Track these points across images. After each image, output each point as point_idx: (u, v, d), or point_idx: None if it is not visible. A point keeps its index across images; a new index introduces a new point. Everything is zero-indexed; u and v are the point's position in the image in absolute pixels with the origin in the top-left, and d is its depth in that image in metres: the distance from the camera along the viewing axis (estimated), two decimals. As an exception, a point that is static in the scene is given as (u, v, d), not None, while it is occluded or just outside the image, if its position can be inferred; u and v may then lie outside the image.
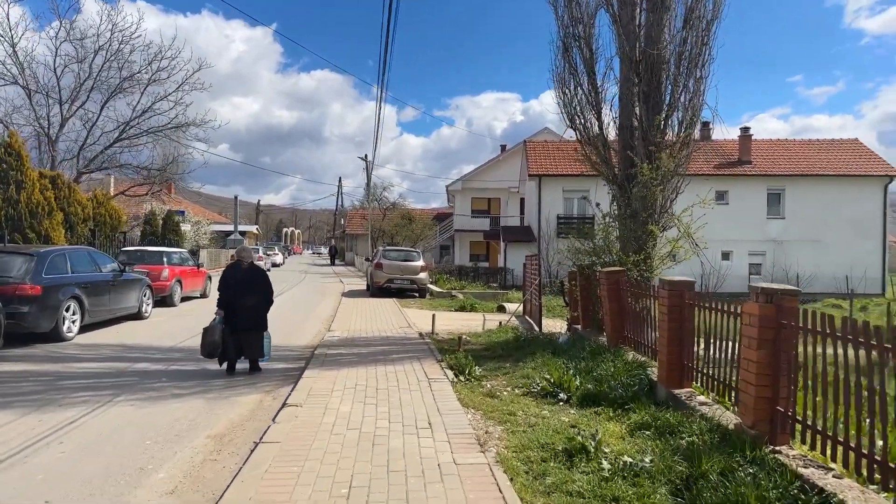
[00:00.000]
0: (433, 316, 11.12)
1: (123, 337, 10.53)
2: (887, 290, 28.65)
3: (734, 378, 5.33)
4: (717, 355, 5.74)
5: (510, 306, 16.29)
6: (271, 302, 7.89)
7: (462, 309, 16.09)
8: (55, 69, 24.42)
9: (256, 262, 26.79)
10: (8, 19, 23.33)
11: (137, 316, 12.68)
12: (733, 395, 5.41)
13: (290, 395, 6.14)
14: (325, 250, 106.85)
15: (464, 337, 10.07)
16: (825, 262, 27.36)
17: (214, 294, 16.77)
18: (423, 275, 19.74)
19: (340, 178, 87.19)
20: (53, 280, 9.65)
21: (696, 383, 6.12)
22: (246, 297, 7.53)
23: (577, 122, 10.19)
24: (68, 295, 9.81)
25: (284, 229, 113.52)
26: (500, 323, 11.69)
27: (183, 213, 31.51)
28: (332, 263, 49.89)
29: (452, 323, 13.04)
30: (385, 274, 19.50)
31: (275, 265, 42.59)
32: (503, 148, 44.74)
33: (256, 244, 62.22)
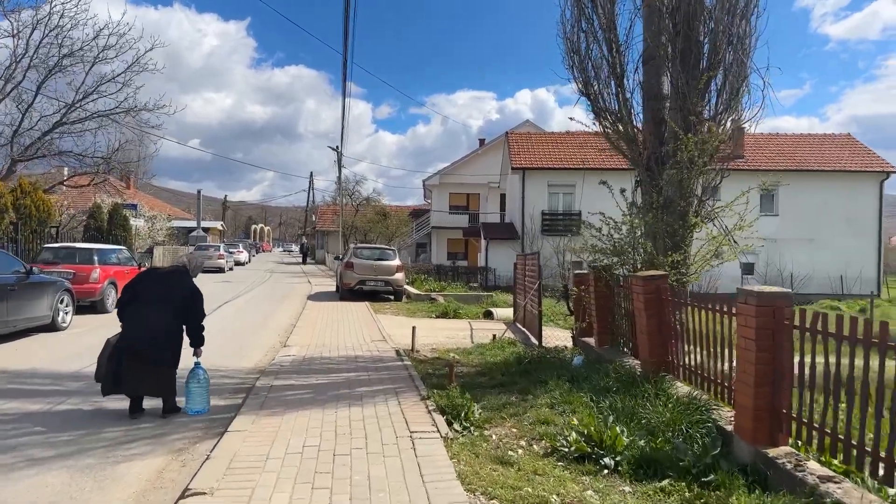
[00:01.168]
0: (413, 329, 9.08)
1: (18, 357, 8.26)
2: (882, 290, 27.59)
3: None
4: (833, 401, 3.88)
5: (499, 312, 14.36)
6: (198, 325, 5.68)
7: (444, 315, 14.09)
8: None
9: (217, 262, 24.31)
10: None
11: (52, 327, 10.37)
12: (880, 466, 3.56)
13: (201, 467, 4.06)
14: (296, 248, 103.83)
15: (452, 356, 8.09)
16: (820, 261, 26.15)
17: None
18: (398, 275, 17.67)
19: (312, 172, 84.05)
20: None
21: (798, 439, 4.25)
22: (153, 314, 5.39)
23: (593, 89, 8.26)
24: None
25: (254, 226, 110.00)
26: (494, 337, 9.70)
27: (135, 206, 28.79)
28: (304, 262, 46.88)
29: (435, 334, 11.02)
30: (356, 275, 17.39)
31: (238, 264, 39.99)
32: (482, 142, 42.87)
33: (223, 242, 59.33)
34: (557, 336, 10.44)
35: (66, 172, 31.37)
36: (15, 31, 22.07)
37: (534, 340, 10.44)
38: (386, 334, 10.73)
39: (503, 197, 35.34)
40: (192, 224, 48.79)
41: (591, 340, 8.89)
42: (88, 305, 13.33)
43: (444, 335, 11.04)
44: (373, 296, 18.11)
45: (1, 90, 22.42)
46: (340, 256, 21.27)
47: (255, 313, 14.22)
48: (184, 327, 5.56)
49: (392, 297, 18.25)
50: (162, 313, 5.34)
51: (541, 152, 27.84)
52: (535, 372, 7.09)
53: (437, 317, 14.05)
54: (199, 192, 53.11)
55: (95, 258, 13.57)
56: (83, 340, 9.64)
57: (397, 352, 8.57)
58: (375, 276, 17.47)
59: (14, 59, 22.31)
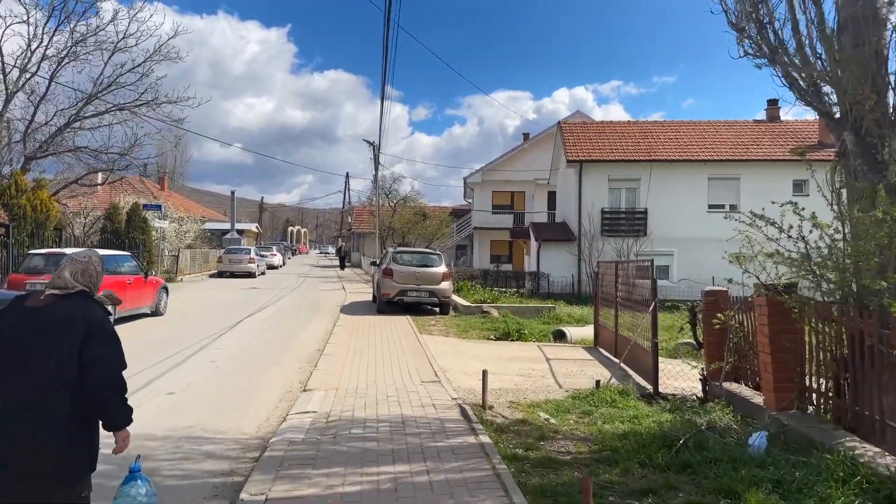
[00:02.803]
0: (484, 375, 6.39)
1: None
2: None
3: None
4: None
5: (572, 332, 11.58)
6: (113, 392, 2.80)
7: (506, 336, 11.40)
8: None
9: (247, 266, 22.13)
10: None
11: None
12: None
13: None
14: (332, 249, 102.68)
15: (545, 418, 5.41)
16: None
17: (172, 312, 12.01)
18: (445, 285, 15.05)
19: (347, 173, 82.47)
20: None
21: None
22: (26, 381, 2.76)
23: (758, 14, 5.42)
24: None
25: (290, 228, 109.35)
26: (598, 384, 6.88)
27: (159, 206, 26.99)
28: (342, 267, 41.17)
29: (503, 369, 8.34)
30: (396, 284, 14.83)
31: (271, 267, 38.09)
32: (526, 136, 40.01)
33: (258, 244, 57.95)
34: (672, 372, 7.62)
35: (98, 178, 29.91)
36: (28, 17, 20.37)
37: (639, 380, 7.66)
38: (439, 369, 8.10)
39: (551, 195, 32.43)
40: (228, 226, 47.34)
41: (746, 391, 6.08)
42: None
43: (515, 370, 8.34)
44: (415, 308, 15.56)
45: (14, 83, 20.78)
46: (377, 261, 18.74)
47: (276, 333, 11.80)
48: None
49: (438, 311, 15.64)
50: (45, 379, 2.72)
51: (599, 143, 24.84)
52: (693, 461, 4.33)
53: (497, 338, 11.37)
54: (232, 192, 51.71)
55: (88, 267, 11.33)
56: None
57: (463, 411, 5.90)
58: (418, 285, 14.88)
59: (29, 49, 20.62)
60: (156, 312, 13.84)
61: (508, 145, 36.95)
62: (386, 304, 15.11)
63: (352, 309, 16.29)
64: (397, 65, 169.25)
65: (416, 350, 9.72)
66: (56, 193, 22.04)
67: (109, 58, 22.19)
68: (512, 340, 11.23)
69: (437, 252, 16.13)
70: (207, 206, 65.88)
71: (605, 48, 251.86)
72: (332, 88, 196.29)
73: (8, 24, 20.04)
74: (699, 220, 23.39)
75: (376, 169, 31.89)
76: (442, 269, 15.28)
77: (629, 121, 26.73)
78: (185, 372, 7.96)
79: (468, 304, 15.80)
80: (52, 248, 14.42)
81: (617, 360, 9.11)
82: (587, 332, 11.89)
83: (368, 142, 31.07)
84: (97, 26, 21.22)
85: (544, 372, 8.31)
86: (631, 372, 8.08)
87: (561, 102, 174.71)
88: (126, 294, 12.45)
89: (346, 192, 68.89)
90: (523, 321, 13.77)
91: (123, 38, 21.73)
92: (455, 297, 16.36)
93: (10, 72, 20.46)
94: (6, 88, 20.61)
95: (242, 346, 10.02)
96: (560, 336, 11.54)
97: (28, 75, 20.80)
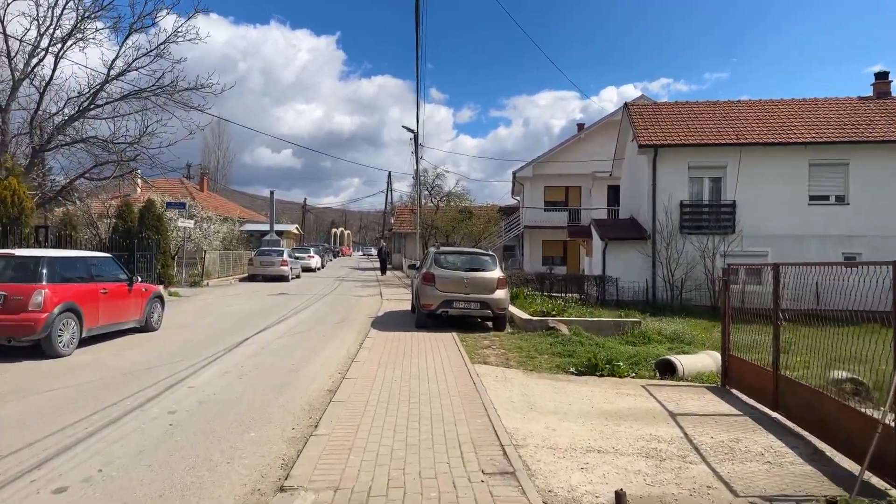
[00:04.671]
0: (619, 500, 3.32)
1: None
2: None
3: None
4: None
5: (683, 361, 8.30)
6: None
7: (591, 369, 8.18)
8: (-4, 11, 18.02)
9: (279, 269, 19.49)
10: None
11: None
12: None
13: None
14: (374, 251, 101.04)
15: None
16: None
17: (170, 326, 9.67)
18: (501, 293, 11.97)
19: (390, 172, 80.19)
20: None
21: None
22: None
23: None
24: None
25: (334, 230, 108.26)
26: None
27: (183, 204, 24.83)
28: (383, 272, 37.15)
29: (610, 441, 5.21)
30: (439, 292, 11.85)
31: (308, 270, 35.81)
32: (581, 126, 36.52)
33: (297, 246, 56.21)
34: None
35: (138, 182, 28.30)
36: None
37: (845, 464, 4.42)
38: (509, 441, 5.04)
39: (612, 189, 28.93)
40: (267, 227, 45.56)
41: None
42: (32, 346, 8.60)
43: (631, 442, 5.19)
44: (461, 321, 12.58)
45: (21, 70, 18.85)
46: (417, 264, 15.81)
47: (281, 359, 8.96)
48: None
49: (491, 325, 12.58)
50: None
51: (676, 126, 21.25)
52: None
53: (580, 371, 8.20)
54: (271, 193, 49.93)
55: (44, 272, 8.79)
56: None
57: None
58: (467, 293, 11.85)
59: (38, 32, 18.64)
60: (146, 327, 11.29)
61: (553, 146, 33.61)
62: (426, 317, 12.14)
63: (386, 322, 13.40)
64: (441, 67, 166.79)
65: (469, 395, 6.67)
66: (63, 189, 20.06)
67: (125, 39, 20.16)
68: (601, 375, 8.04)
69: (490, 253, 13.02)
70: (254, 209, 64.77)
71: (654, 45, 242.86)
72: (379, 93, 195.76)
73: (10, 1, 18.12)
74: (798, 213, 19.62)
75: (417, 162, 28.99)
76: (496, 273, 12.19)
77: (708, 101, 22.99)
78: (113, 438, 5.16)
79: (528, 316, 12.66)
80: (33, 248, 12.05)
81: (783, 419, 5.86)
82: (702, 361, 8.61)
83: (408, 129, 28.22)
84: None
85: (680, 446, 5.13)
86: (823, 446, 4.83)
87: (609, 101, 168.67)
88: (105, 306, 9.92)
89: (389, 191, 66.74)
90: (604, 342, 10.57)
91: (139, 17, 19.71)
92: (511, 308, 13.25)
93: (15, 55, 18.58)
94: (12, 75, 18.74)
95: (224, 385, 7.20)
96: (667, 369, 8.29)
97: (36, 60, 18.90)
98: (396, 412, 5.94)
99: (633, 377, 8.07)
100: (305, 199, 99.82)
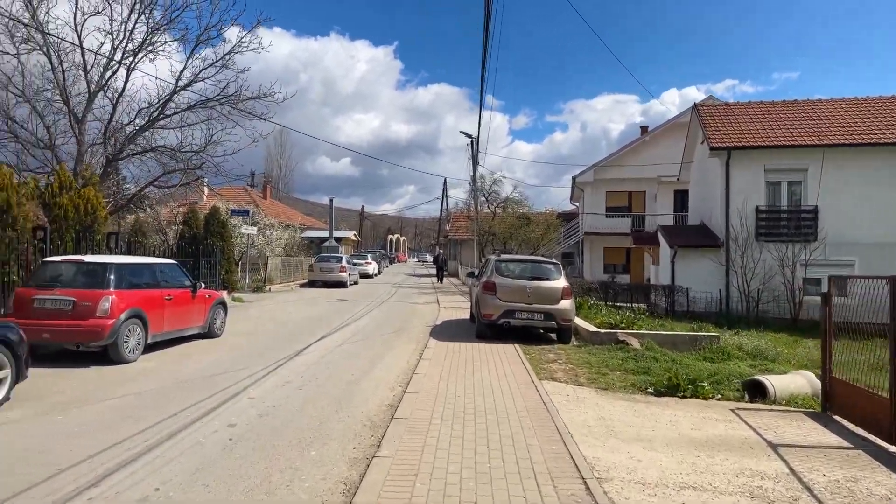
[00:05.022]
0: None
1: None
2: None
3: None
4: None
5: (774, 382, 7.50)
6: None
7: (671, 389, 7.51)
8: (76, 26, 18.93)
9: (338, 275, 19.58)
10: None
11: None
12: None
13: None
14: (429, 257, 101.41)
15: None
16: None
17: (232, 332, 9.55)
18: (566, 304, 11.39)
19: (445, 179, 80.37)
20: None
21: None
22: None
23: None
24: None
25: (390, 237, 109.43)
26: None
27: (247, 212, 25.42)
28: (440, 279, 36.24)
29: (705, 478, 4.61)
30: (500, 302, 11.39)
31: (365, 276, 36.06)
32: (644, 129, 35.27)
33: (356, 252, 56.96)
34: None
35: (205, 190, 29.36)
36: (103, 7, 19.18)
37: None
38: (589, 471, 4.54)
39: (679, 194, 27.65)
40: (327, 234, 46.38)
41: None
42: (98, 352, 8.71)
43: (729, 479, 4.58)
44: (523, 332, 12.08)
45: (97, 83, 19.71)
46: (475, 271, 15.42)
47: (341, 370, 8.73)
48: None
49: (554, 337, 12.02)
50: None
51: (750, 127, 20.01)
52: None
53: (658, 392, 7.55)
54: (331, 200, 50.93)
55: (111, 278, 8.91)
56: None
57: None
58: (530, 303, 11.34)
59: (113, 43, 19.46)
60: (209, 333, 11.36)
61: (612, 150, 32.72)
62: (487, 328, 11.70)
63: (445, 331, 13.05)
64: (497, 74, 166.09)
65: (540, 416, 6.18)
66: (133, 197, 20.81)
67: (192, 50, 20.81)
68: (683, 396, 7.38)
69: (554, 261, 12.45)
70: (315, 216, 66.27)
71: (717, 45, 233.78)
72: (435, 101, 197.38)
73: (86, 16, 18.99)
74: (888, 219, 18.03)
75: (474, 168, 28.65)
76: (561, 283, 11.62)
77: (785, 101, 21.58)
78: (172, 454, 4.98)
79: (595, 329, 12.01)
80: (102, 255, 12.40)
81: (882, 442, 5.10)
82: (794, 383, 7.78)
83: (466, 134, 27.92)
84: (169, 8, 19.88)
85: (788, 484, 4.48)
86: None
87: (671, 103, 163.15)
88: (169, 312, 10.00)
89: (444, 198, 66.61)
90: (680, 358, 9.84)
91: (206, 29, 20.29)
92: (579, 321, 12.63)
93: (90, 69, 19.45)
94: (88, 87, 19.62)
95: (284, 397, 7.00)
96: (756, 390, 7.52)
97: (110, 73, 19.71)
98: (462, 433, 5.53)
99: (718, 399, 7.36)
100: (363, 206, 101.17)
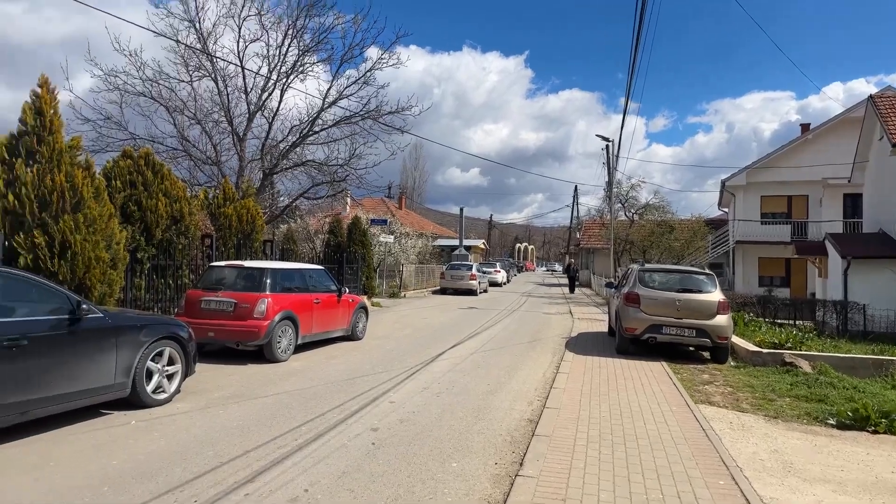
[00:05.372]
0: None
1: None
2: None
3: None
4: None
5: None
6: None
7: (861, 422, 6.42)
8: (238, 53, 20.97)
9: (468, 283, 19.78)
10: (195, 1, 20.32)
11: (135, 399, 6.16)
12: None
13: None
14: (558, 267, 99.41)
15: None
16: None
17: (372, 336, 9.98)
18: (722, 319, 10.33)
19: (576, 186, 78.27)
20: None
21: None
22: None
23: None
24: None
25: (518, 245, 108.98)
26: None
27: (385, 221, 26.52)
28: (572, 289, 34.29)
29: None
30: (645, 315, 10.61)
31: (494, 285, 36.05)
32: (805, 127, 31.70)
33: (485, 260, 57.39)
34: None
35: (348, 201, 31.38)
36: (260, 35, 21.00)
37: None
38: (769, 517, 3.92)
39: (849, 198, 24.36)
40: (457, 243, 47.27)
41: None
42: (255, 350, 9.36)
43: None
44: (669, 348, 11.17)
45: (255, 104, 21.66)
46: (615, 282, 14.64)
47: (477, 379, 8.58)
48: None
49: (707, 356, 10.97)
50: None
51: (947, 117, 17.07)
52: None
53: (842, 425, 6.49)
54: (461, 209, 51.98)
55: (267, 282, 9.56)
56: (172, 437, 5.05)
57: None
58: (679, 318, 10.44)
59: (268, 65, 21.29)
60: (352, 336, 11.83)
61: (763, 151, 29.56)
62: (629, 343, 10.97)
63: (581, 344, 12.46)
64: (639, 76, 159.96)
65: (701, 445, 5.53)
66: (286, 208, 22.49)
67: (337, 70, 22.14)
68: (873, 431, 6.26)
69: (708, 272, 11.36)
70: (445, 225, 68.07)
71: (888, 30, 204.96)
72: (566, 108, 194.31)
73: (247, 43, 20.92)
74: None
75: (610, 173, 27.43)
76: (716, 296, 10.57)
77: None
78: (319, 455, 5.10)
79: (755, 348, 10.77)
80: (259, 260, 13.47)
81: None
82: None
83: (603, 137, 26.83)
84: (317, 31, 21.25)
85: None
86: None
87: (834, 99, 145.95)
88: (316, 315, 10.54)
89: (575, 205, 65.15)
90: (863, 386, 8.47)
91: (349, 48, 21.48)
92: (736, 340, 11.44)
93: (251, 91, 21.40)
94: (248, 108, 21.60)
95: (423, 404, 6.98)
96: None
97: (266, 94, 21.55)
98: (612, 458, 5.08)
99: (924, 440, 6.15)
100: (491, 215, 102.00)
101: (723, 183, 29.93)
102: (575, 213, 64.66)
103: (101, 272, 8.67)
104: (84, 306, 5.59)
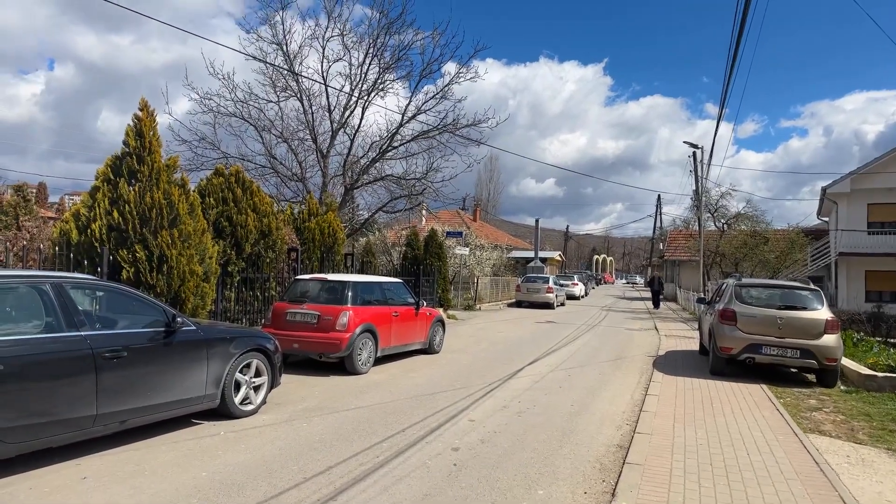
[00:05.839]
0: None
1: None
2: None
3: None
4: None
5: None
6: None
7: None
8: (322, 73, 21.73)
9: (545, 296, 19.42)
10: (283, 23, 21.30)
11: (224, 410, 6.34)
12: None
13: None
14: (639, 279, 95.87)
15: None
16: None
17: (449, 350, 9.95)
18: (830, 339, 9.42)
19: (659, 195, 75.45)
20: None
21: None
22: None
23: None
24: None
25: (595, 257, 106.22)
26: None
27: (460, 234, 26.53)
28: (656, 304, 31.62)
29: None
30: (742, 334, 9.86)
31: (572, 298, 35.17)
32: (920, 127, 28.81)
33: (561, 273, 56.32)
34: None
35: (423, 213, 31.89)
36: (343, 55, 21.64)
37: None
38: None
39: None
40: (532, 254, 46.68)
41: None
42: (336, 363, 9.50)
43: None
44: (768, 369, 10.33)
45: (338, 121, 22.35)
46: (706, 297, 13.80)
47: (559, 398, 8.24)
48: None
49: (813, 378, 10.05)
50: None
51: None
52: None
53: None
54: (536, 221, 51.33)
55: (349, 295, 9.69)
56: (258, 449, 5.16)
57: None
58: (781, 337, 9.62)
59: (351, 83, 21.92)
60: (429, 349, 11.80)
61: (868, 156, 26.82)
62: (724, 363, 10.23)
63: (669, 363, 11.78)
64: (721, 81, 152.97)
65: (813, 478, 4.98)
66: (366, 222, 22.97)
67: (416, 85, 22.48)
68: None
69: (813, 287, 10.43)
70: (520, 237, 67.62)
71: None
72: (647, 115, 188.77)
73: (330, 63, 21.65)
74: None
75: (698, 181, 26.11)
76: (823, 313, 9.67)
77: None
78: (399, 473, 5.00)
79: (870, 371, 9.74)
80: (341, 273, 13.75)
81: None
82: None
83: (691, 144, 25.65)
84: (397, 48, 21.64)
85: None
86: None
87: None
88: (395, 327, 10.59)
89: (658, 215, 62.60)
90: None
91: (428, 63, 21.76)
92: (846, 362, 10.42)
93: (334, 109, 22.11)
94: (331, 126, 22.32)
95: (504, 423, 6.75)
96: None
97: (348, 112, 22.20)
98: (714, 492, 4.66)
99: None
100: (567, 226, 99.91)
101: (823, 190, 27.76)
102: (658, 223, 62.13)
103: (195, 285, 9.10)
104: (178, 319, 5.83)
